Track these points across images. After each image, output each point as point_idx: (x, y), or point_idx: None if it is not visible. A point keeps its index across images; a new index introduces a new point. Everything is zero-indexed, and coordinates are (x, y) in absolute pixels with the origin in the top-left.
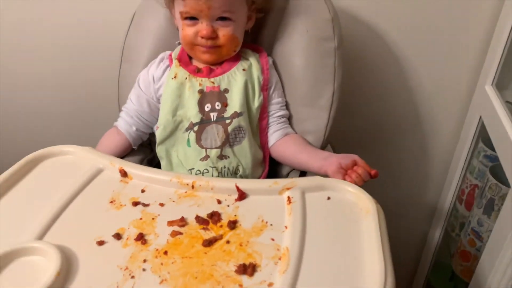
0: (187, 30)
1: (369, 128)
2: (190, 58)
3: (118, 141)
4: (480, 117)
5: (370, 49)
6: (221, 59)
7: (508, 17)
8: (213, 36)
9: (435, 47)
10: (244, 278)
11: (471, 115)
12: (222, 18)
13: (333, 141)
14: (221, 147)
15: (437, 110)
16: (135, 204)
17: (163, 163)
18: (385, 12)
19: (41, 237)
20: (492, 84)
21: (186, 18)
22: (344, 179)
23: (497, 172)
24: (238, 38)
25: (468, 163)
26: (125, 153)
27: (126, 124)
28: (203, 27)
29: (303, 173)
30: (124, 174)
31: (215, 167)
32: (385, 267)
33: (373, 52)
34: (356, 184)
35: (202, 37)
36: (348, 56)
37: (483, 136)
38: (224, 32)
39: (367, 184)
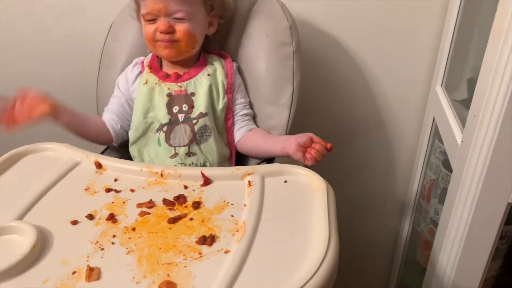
0: (148, 28)
1: (333, 129)
2: (161, 65)
3: (102, 127)
4: (434, 117)
5: (329, 54)
6: (181, 56)
7: (452, 20)
8: (170, 30)
9: (390, 51)
10: (204, 248)
11: (427, 115)
12: (178, 18)
13: None
14: (189, 145)
15: (397, 111)
16: (108, 190)
17: (135, 161)
18: (340, 19)
19: (20, 218)
20: (441, 85)
21: (147, 21)
22: (304, 156)
23: (448, 164)
24: (195, 36)
25: (428, 160)
26: (102, 144)
27: (111, 120)
28: (161, 23)
29: (270, 161)
30: (99, 165)
31: (183, 163)
32: (329, 234)
33: (332, 57)
34: (316, 160)
35: (161, 32)
36: (308, 61)
37: (438, 134)
38: (180, 27)
39: (340, 185)
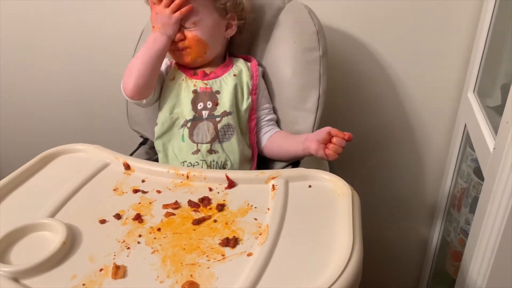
0: None
1: (360, 134)
2: None
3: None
4: (465, 124)
5: (356, 59)
6: (196, 61)
7: (485, 24)
8: (182, 38)
9: (420, 56)
10: (227, 250)
11: (458, 122)
12: (186, 27)
13: None
14: (211, 142)
15: (427, 117)
16: (135, 191)
17: (160, 155)
18: (368, 23)
19: (52, 216)
20: (474, 92)
21: None
22: (325, 153)
23: (480, 172)
24: (205, 42)
25: (459, 168)
26: (146, 88)
27: None
28: None
29: (295, 165)
30: (127, 167)
31: (204, 160)
32: (353, 241)
33: (360, 62)
34: (336, 153)
35: (174, 41)
36: (336, 66)
37: (470, 142)
38: (189, 34)
39: (366, 191)
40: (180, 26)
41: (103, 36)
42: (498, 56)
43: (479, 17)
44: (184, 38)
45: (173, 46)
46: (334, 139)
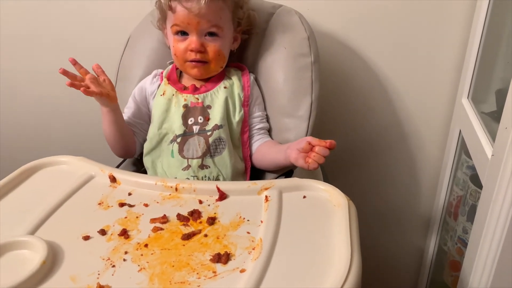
0: (179, 45)
1: (354, 142)
2: (179, 77)
3: (132, 134)
4: (460, 130)
5: (348, 65)
6: (209, 75)
7: (478, 28)
8: (202, 49)
9: (412, 62)
10: (218, 266)
11: (453, 128)
12: (210, 34)
13: (324, 163)
14: (202, 157)
15: (421, 124)
16: (122, 205)
17: (149, 173)
18: (359, 29)
19: (32, 233)
20: (468, 97)
21: (177, 33)
22: (306, 161)
23: (477, 180)
24: (224, 56)
25: (454, 175)
26: (126, 153)
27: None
28: (192, 40)
29: (288, 175)
30: (113, 179)
31: (196, 176)
32: (351, 254)
33: (352, 68)
34: (317, 162)
35: (192, 50)
36: (327, 72)
37: (465, 148)
38: (212, 47)
39: (361, 200)
40: (201, 34)
41: (89, 45)
42: (492, 61)
43: (471, 22)
44: (204, 51)
45: (190, 57)
46: (317, 148)
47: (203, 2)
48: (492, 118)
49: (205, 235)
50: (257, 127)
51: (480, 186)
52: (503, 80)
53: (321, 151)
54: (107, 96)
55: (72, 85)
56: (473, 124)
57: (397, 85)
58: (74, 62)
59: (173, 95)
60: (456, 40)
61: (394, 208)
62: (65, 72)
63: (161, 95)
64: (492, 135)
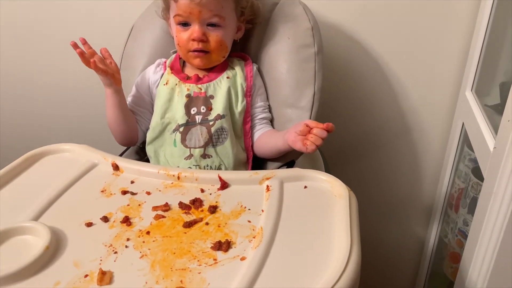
0: (181, 35)
1: (356, 134)
2: (182, 67)
3: (135, 121)
4: (463, 122)
5: (352, 56)
6: (211, 65)
7: (483, 21)
8: (204, 39)
9: (416, 54)
10: (219, 254)
11: (455, 121)
12: (212, 24)
13: (325, 152)
14: (204, 146)
15: (424, 117)
16: (124, 193)
17: (151, 162)
18: (363, 20)
19: (36, 219)
20: (471, 90)
21: (179, 23)
22: (304, 144)
23: (479, 172)
24: (226, 45)
25: (456, 168)
26: (128, 141)
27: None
28: (194, 30)
29: (290, 166)
30: (116, 167)
31: (198, 165)
32: (351, 243)
33: (355, 59)
34: (315, 144)
35: (194, 40)
36: (331, 63)
37: (468, 141)
38: (214, 37)
39: (363, 192)
40: (203, 23)
41: (93, 34)
42: (496, 54)
43: (477, 14)
44: (206, 40)
45: (192, 47)
46: (315, 130)
47: None
48: (495, 111)
49: (207, 223)
50: (259, 117)
51: (481, 178)
52: (507, 73)
53: (319, 132)
54: (112, 76)
55: (81, 55)
56: (476, 117)
57: (401, 77)
58: (84, 42)
59: (176, 84)
60: (460, 33)
61: (395, 200)
62: (75, 46)
63: (164, 85)
64: (495, 128)
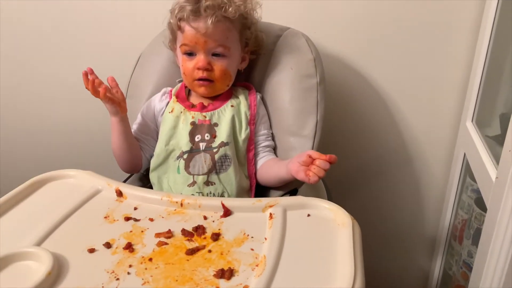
0: (187, 64)
1: (358, 163)
2: (188, 95)
3: (139, 148)
4: (465, 153)
5: (353, 87)
6: (216, 93)
7: (482, 52)
8: (209, 68)
9: (417, 85)
10: (222, 282)
11: (457, 151)
12: (217, 54)
13: (328, 183)
14: (208, 173)
15: (425, 147)
16: (127, 219)
17: (155, 188)
18: (365, 51)
19: (38, 244)
20: (472, 121)
21: (185, 53)
22: (306, 174)
23: (482, 203)
24: (231, 74)
25: (459, 199)
26: (132, 167)
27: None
28: (200, 59)
29: (293, 194)
30: (119, 194)
31: (201, 192)
32: (354, 271)
33: (357, 90)
34: (318, 175)
35: (199, 68)
36: (333, 94)
37: (470, 171)
38: (218, 66)
39: (365, 221)
40: (208, 53)
41: (100, 62)
42: (496, 85)
43: (475, 46)
44: (211, 69)
45: (197, 75)
46: (317, 162)
47: (210, 22)
48: (496, 142)
49: (209, 251)
50: (262, 144)
51: (484, 209)
52: (507, 104)
53: (321, 164)
54: (119, 105)
55: (91, 83)
56: (477, 147)
57: (402, 108)
58: (91, 72)
59: (181, 112)
60: (460, 64)
61: (398, 231)
62: (85, 75)
63: (169, 112)
64: (497, 158)
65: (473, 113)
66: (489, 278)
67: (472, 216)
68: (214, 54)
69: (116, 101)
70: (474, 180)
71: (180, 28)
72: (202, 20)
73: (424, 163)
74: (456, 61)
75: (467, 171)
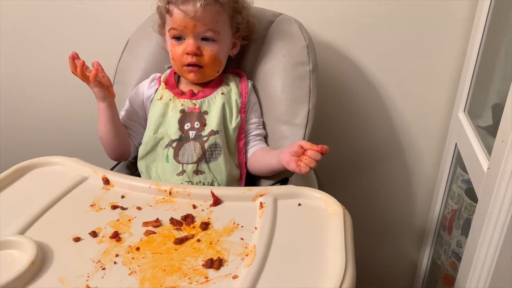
0: (176, 49)
1: (350, 153)
2: (177, 82)
3: (127, 135)
4: (456, 143)
5: (346, 76)
6: (205, 79)
7: (476, 42)
8: (198, 52)
9: (410, 75)
10: (211, 271)
11: (448, 142)
12: (207, 38)
13: (319, 172)
14: (197, 162)
15: (417, 137)
16: (114, 207)
17: (143, 177)
18: (358, 40)
19: (22, 233)
20: (464, 111)
21: (174, 38)
22: (297, 165)
23: (472, 193)
24: (221, 60)
25: (449, 189)
26: (119, 155)
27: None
28: (189, 43)
29: (284, 183)
30: (106, 181)
31: (190, 181)
32: (346, 261)
33: (349, 79)
34: (309, 166)
35: (188, 53)
36: (325, 82)
37: (461, 162)
38: (208, 51)
39: (356, 211)
40: (197, 37)
41: (87, 48)
42: (488, 76)
43: (469, 36)
44: (200, 54)
45: (187, 61)
46: (309, 152)
47: (199, 5)
48: (488, 132)
49: (198, 240)
50: (253, 133)
51: (475, 199)
52: (499, 94)
53: (313, 155)
54: (107, 89)
55: (81, 66)
56: (469, 138)
57: (394, 97)
58: (77, 56)
59: (171, 99)
60: (453, 54)
61: (388, 220)
62: (72, 58)
63: (158, 100)
64: (488, 149)
65: (465, 103)
66: (478, 268)
67: (462, 206)
68: (204, 39)
69: (104, 85)
70: (465, 171)
71: (168, 11)
72: (191, 3)
73: (416, 153)
74: (449, 51)
75: (458, 162)
